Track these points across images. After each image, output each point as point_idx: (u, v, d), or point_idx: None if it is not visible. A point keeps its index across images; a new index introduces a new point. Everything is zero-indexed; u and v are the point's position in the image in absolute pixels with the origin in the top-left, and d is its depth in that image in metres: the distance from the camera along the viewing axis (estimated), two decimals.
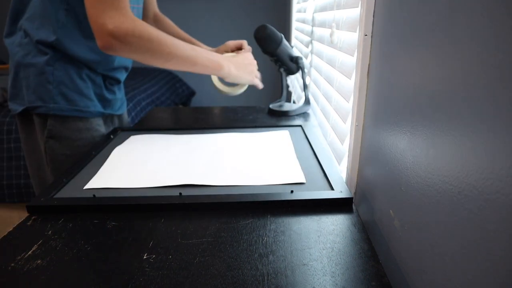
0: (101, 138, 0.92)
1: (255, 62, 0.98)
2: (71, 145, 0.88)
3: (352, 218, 0.54)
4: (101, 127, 0.93)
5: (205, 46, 1.11)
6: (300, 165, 0.70)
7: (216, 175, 0.66)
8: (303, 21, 1.56)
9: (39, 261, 0.46)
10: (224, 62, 0.89)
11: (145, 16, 1.11)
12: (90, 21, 0.72)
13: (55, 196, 0.61)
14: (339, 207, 0.57)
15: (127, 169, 0.70)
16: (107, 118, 0.98)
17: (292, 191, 0.59)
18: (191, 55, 0.83)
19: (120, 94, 1.01)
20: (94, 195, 0.59)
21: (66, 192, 0.62)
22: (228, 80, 0.92)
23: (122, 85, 1.03)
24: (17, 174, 1.57)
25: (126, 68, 0.99)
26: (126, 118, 1.12)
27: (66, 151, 0.87)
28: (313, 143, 0.80)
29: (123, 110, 1.05)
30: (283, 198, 0.57)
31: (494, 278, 0.28)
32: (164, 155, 0.76)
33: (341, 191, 0.59)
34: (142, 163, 0.72)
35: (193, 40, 1.11)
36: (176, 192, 0.60)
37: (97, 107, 0.91)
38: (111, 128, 1.00)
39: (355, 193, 0.67)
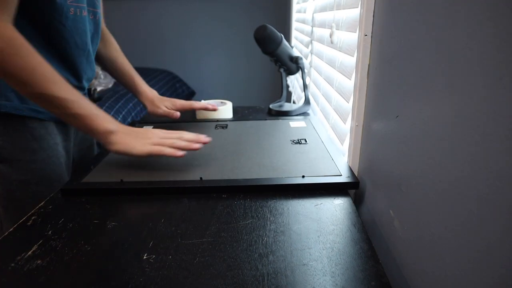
0: (57, 150, 0.81)
1: (157, 134, 0.72)
2: (24, 167, 0.76)
3: (352, 218, 0.54)
4: (56, 136, 0.81)
5: (142, 85, 0.98)
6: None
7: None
8: (303, 21, 1.56)
9: (39, 261, 0.46)
10: (114, 126, 0.68)
11: None
12: None
13: (83, 181, 0.66)
14: (343, 191, 0.62)
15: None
16: (62, 128, 0.84)
17: (303, 176, 0.64)
18: (66, 99, 0.64)
19: None
20: (121, 180, 0.64)
21: (95, 178, 0.67)
22: (114, 148, 0.68)
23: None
24: None
25: (82, 88, 0.86)
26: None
27: (20, 175, 0.76)
28: (321, 135, 0.87)
29: None
30: (294, 182, 0.62)
31: (493, 278, 0.28)
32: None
33: (348, 176, 0.64)
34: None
35: (133, 74, 0.98)
36: (196, 177, 0.65)
37: None
38: (67, 142, 0.86)
39: (355, 193, 0.67)
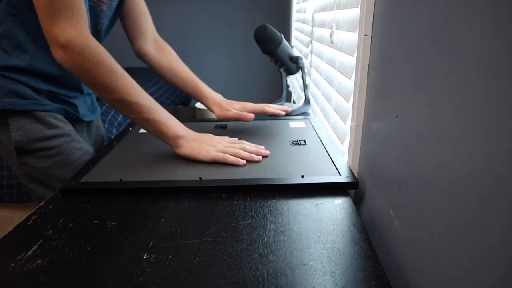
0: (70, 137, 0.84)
1: (221, 142, 0.76)
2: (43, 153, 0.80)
3: (352, 218, 0.54)
4: (68, 124, 0.84)
5: (207, 90, 0.98)
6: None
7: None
8: (303, 21, 1.56)
9: (39, 261, 0.46)
10: (183, 131, 0.74)
11: (141, 38, 0.99)
12: (44, 32, 0.67)
13: (82, 180, 0.66)
14: (343, 191, 0.62)
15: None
16: (72, 121, 0.88)
17: (302, 176, 0.64)
18: (143, 105, 0.70)
19: (82, 105, 0.92)
20: (121, 180, 0.64)
21: (94, 177, 0.67)
22: (181, 152, 0.73)
23: (87, 98, 0.95)
24: (17, 174, 1.57)
25: (80, 91, 0.89)
26: (100, 129, 1.03)
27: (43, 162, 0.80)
28: (321, 135, 0.87)
29: (90, 118, 0.95)
30: (293, 182, 0.62)
31: (493, 278, 0.28)
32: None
33: (347, 176, 0.64)
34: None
35: (196, 79, 0.99)
36: (196, 177, 0.65)
37: (56, 106, 0.83)
38: (80, 133, 0.90)
39: (355, 193, 0.67)
